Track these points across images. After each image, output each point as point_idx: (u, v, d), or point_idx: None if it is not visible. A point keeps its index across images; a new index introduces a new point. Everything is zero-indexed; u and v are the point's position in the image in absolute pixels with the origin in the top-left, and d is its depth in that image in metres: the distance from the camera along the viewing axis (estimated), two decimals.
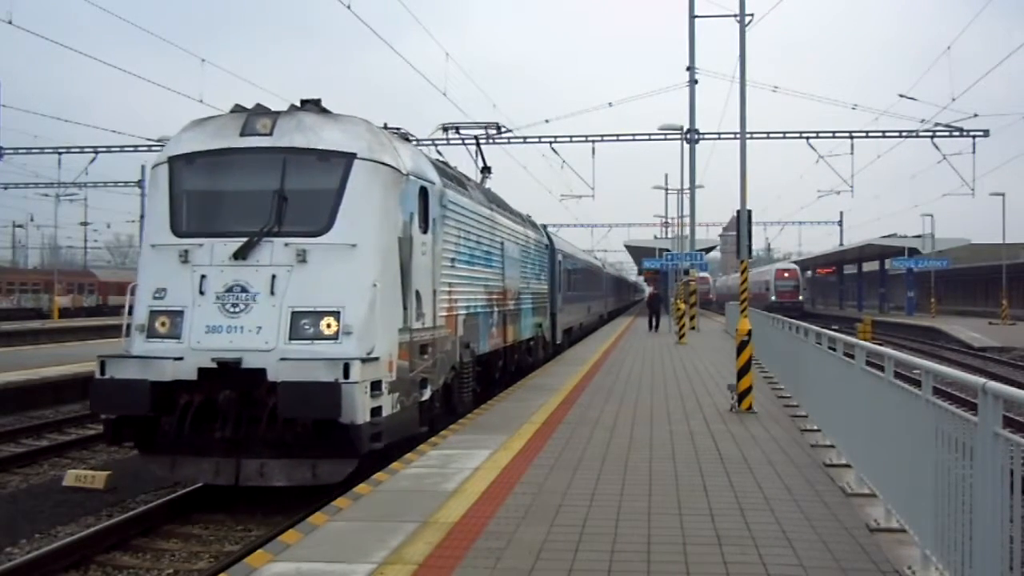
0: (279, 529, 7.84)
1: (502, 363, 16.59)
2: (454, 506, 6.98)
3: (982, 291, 65.60)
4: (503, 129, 19.65)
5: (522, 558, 5.67)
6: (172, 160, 9.84)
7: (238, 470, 8.84)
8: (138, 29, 45.13)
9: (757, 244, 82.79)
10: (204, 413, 8.87)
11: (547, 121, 56.26)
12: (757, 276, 62.71)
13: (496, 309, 15.34)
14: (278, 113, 9.86)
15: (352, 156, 9.45)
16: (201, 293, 9.10)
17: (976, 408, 4.37)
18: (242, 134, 9.65)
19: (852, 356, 7.75)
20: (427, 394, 10.52)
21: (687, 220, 36.53)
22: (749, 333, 12.84)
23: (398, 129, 12.38)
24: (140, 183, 44.92)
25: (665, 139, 36.04)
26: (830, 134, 35.52)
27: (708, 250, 55.39)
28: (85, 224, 73.26)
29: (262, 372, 8.66)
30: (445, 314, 11.53)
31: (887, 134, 35.58)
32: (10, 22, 21.29)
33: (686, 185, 35.58)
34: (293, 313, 8.93)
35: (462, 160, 29.34)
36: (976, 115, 36.57)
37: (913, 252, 52.88)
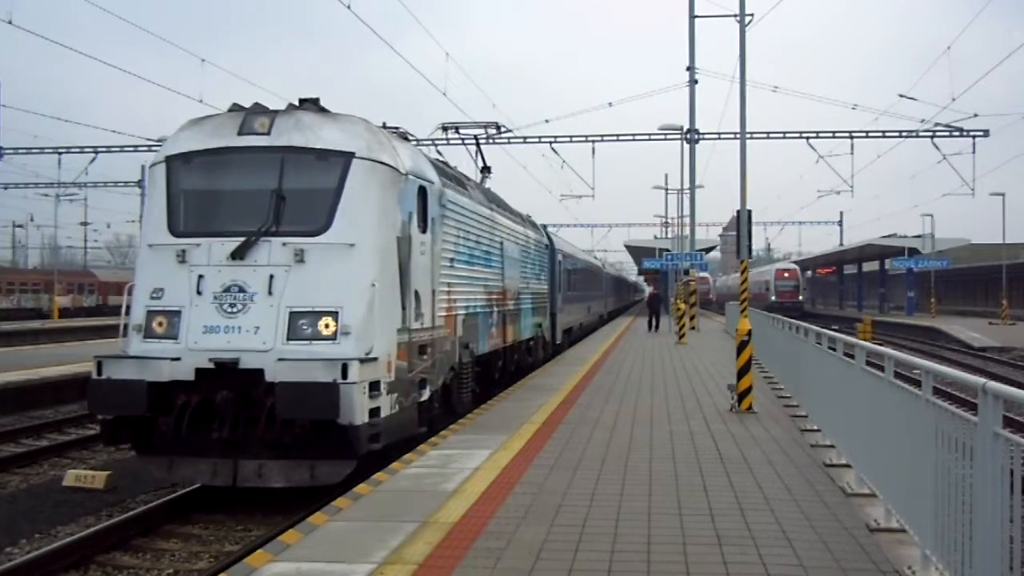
0: (279, 529, 7.83)
1: (502, 363, 16.57)
2: (454, 506, 6.97)
3: (982, 291, 65.60)
4: (503, 129, 19.66)
5: (522, 558, 5.66)
6: (169, 159, 9.80)
7: (236, 471, 8.79)
8: (138, 29, 45.10)
9: (757, 244, 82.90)
10: (201, 414, 8.83)
11: (547, 121, 56.45)
12: (757, 276, 62.71)
13: (496, 309, 15.32)
14: (276, 112, 9.82)
15: (350, 155, 9.41)
16: (199, 293, 9.06)
17: (976, 408, 4.36)
18: (240, 133, 9.60)
19: (852, 356, 7.75)
20: (426, 395, 10.49)
21: (687, 220, 36.59)
22: (749, 333, 12.83)
23: (397, 128, 12.35)
24: (140, 183, 44.85)
25: (665, 139, 36.08)
26: (830, 134, 35.54)
27: (708, 250, 55.39)
28: (85, 224, 73.37)
29: (260, 372, 8.62)
30: (444, 314, 11.50)
31: (887, 134, 35.61)
32: (10, 22, 21.32)
33: (686, 185, 35.63)
34: (291, 313, 8.89)
35: (462, 160, 29.36)
36: (976, 115, 36.64)
37: (913, 252, 52.88)
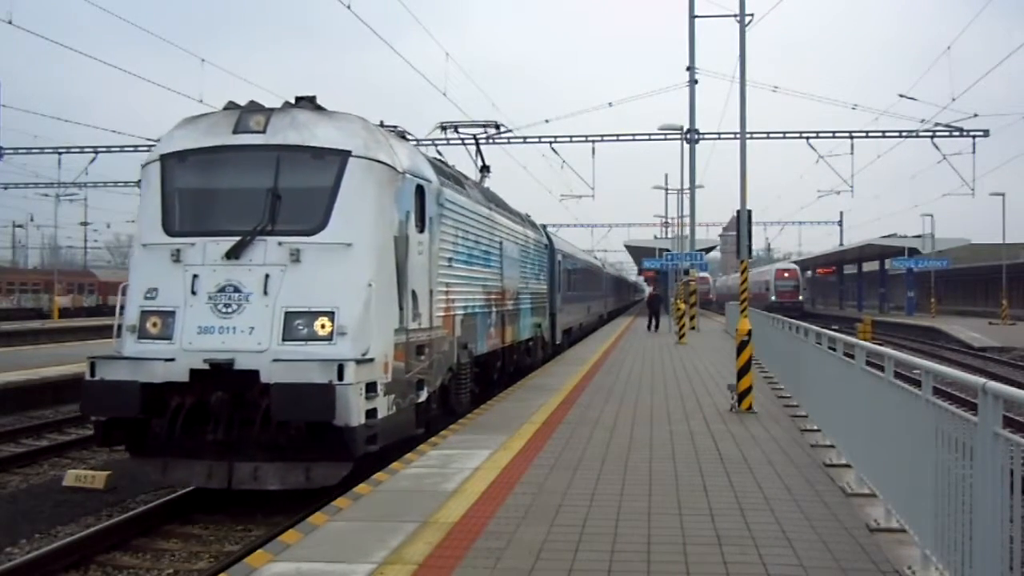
0: (279, 529, 7.81)
1: (500, 364, 16.53)
2: (454, 506, 6.96)
3: (982, 291, 65.59)
4: (502, 128, 19.64)
5: (522, 558, 5.65)
6: (164, 158, 9.73)
7: (231, 473, 8.70)
8: (138, 29, 45.14)
9: (757, 244, 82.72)
10: (196, 415, 8.74)
11: (547, 121, 56.32)
12: (757, 276, 62.71)
13: (494, 309, 15.28)
14: (272, 110, 9.73)
15: (347, 154, 9.33)
16: (193, 293, 8.96)
17: (976, 408, 4.36)
18: (235, 131, 9.52)
19: (852, 356, 7.73)
20: (424, 396, 10.42)
21: (687, 220, 36.59)
22: (749, 333, 12.82)
23: (395, 127, 12.31)
24: (140, 183, 44.82)
25: (665, 139, 36.08)
26: (830, 134, 35.53)
27: (708, 250, 55.38)
28: (85, 224, 73.37)
29: (255, 373, 8.54)
30: (442, 314, 11.45)
31: (887, 134, 35.60)
32: (10, 22, 21.30)
33: (686, 185, 35.63)
34: (287, 313, 8.79)
35: (461, 160, 29.34)
36: (976, 115, 36.59)
37: (913, 252, 52.88)
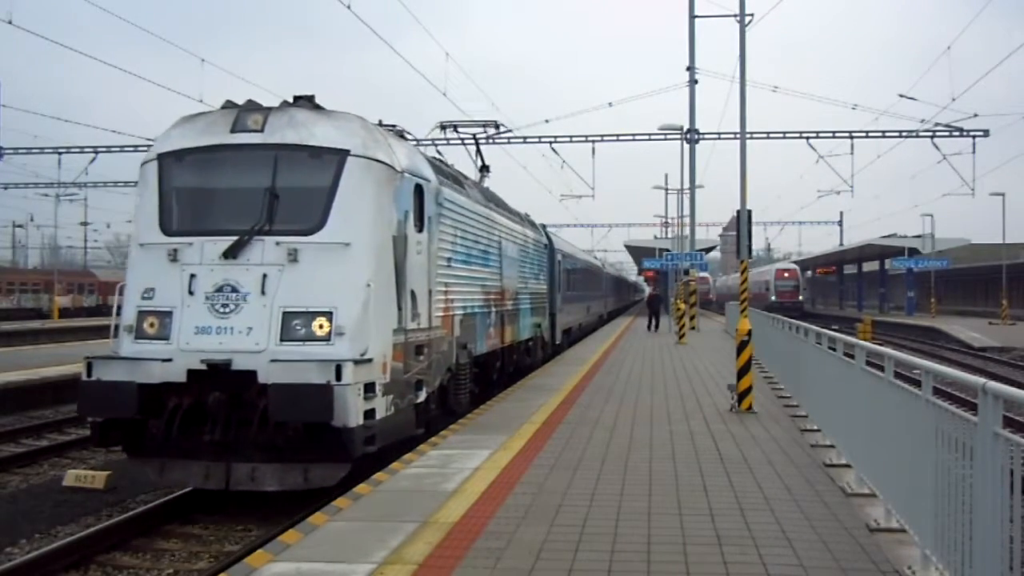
0: (279, 529, 7.79)
1: (500, 364, 16.50)
2: (454, 506, 6.96)
3: (982, 291, 65.59)
4: (502, 128, 19.63)
5: (522, 558, 5.65)
6: (161, 157, 9.67)
7: (228, 474, 8.66)
8: (138, 29, 45.11)
9: (757, 244, 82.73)
10: (193, 416, 8.70)
11: (547, 121, 56.43)
12: (757, 276, 62.72)
13: (494, 309, 15.26)
14: (270, 109, 9.68)
15: (345, 153, 9.29)
16: (190, 293, 8.92)
17: (976, 408, 4.35)
18: (233, 130, 9.48)
19: (852, 356, 7.73)
20: (422, 396, 10.38)
21: (687, 220, 36.59)
22: (749, 333, 12.82)
23: (393, 126, 12.27)
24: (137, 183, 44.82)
25: (665, 139, 36.09)
26: (830, 134, 35.54)
27: (708, 250, 55.36)
28: (85, 224, 73.35)
29: (252, 374, 8.49)
30: (441, 314, 11.41)
31: (887, 134, 35.61)
32: (10, 22, 21.29)
33: (686, 185, 35.63)
34: (284, 313, 8.75)
35: (461, 159, 29.34)
36: (976, 115, 36.61)
37: (913, 252, 52.87)
